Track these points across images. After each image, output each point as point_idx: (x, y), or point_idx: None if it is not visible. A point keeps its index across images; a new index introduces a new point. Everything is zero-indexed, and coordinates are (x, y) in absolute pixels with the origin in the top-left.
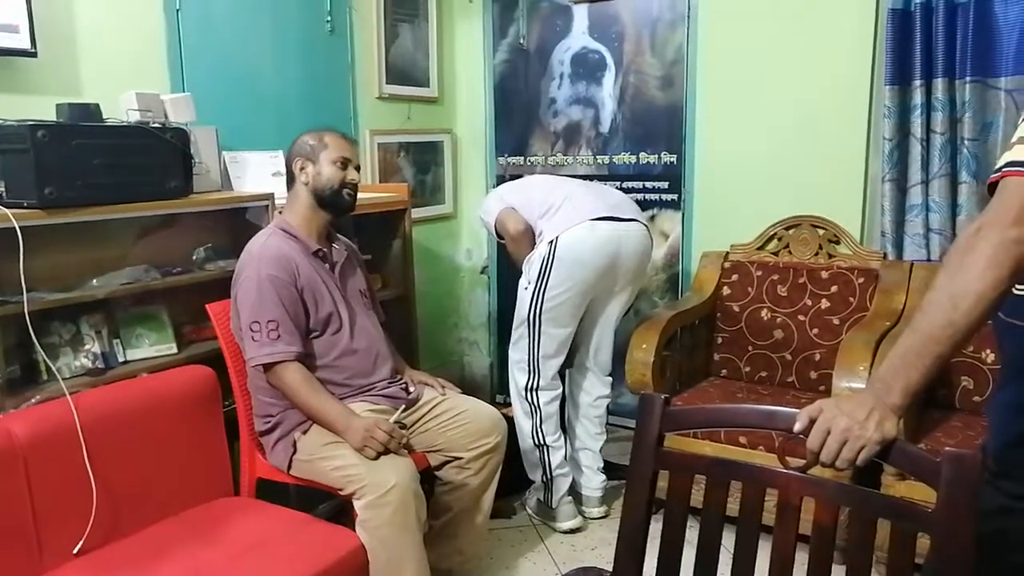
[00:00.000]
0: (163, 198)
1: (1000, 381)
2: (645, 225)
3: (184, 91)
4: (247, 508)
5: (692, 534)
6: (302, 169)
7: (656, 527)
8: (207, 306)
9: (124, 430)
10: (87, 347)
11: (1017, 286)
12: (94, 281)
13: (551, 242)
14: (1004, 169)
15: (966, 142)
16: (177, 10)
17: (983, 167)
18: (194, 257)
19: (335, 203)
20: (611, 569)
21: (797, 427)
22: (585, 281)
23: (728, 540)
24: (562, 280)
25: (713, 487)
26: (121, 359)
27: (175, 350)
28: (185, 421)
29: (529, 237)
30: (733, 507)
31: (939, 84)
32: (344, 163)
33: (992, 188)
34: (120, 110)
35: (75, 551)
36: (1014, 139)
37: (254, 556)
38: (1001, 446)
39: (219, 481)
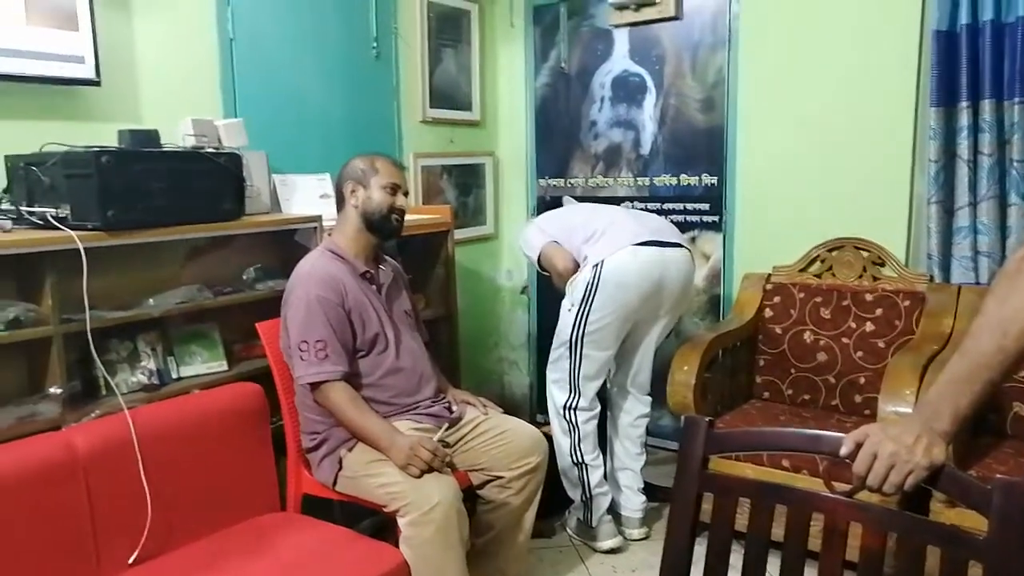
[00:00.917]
0: (217, 220)
1: None
2: (689, 250)
3: (236, 116)
4: (293, 523)
5: (736, 558)
6: (352, 192)
7: (700, 550)
8: (257, 325)
9: (177, 444)
10: (143, 363)
11: None
12: (150, 300)
13: (596, 266)
14: None
15: (1015, 164)
16: (231, 39)
17: None
18: (244, 277)
19: (383, 227)
20: None
21: (843, 451)
22: (628, 305)
23: (773, 565)
24: (605, 304)
25: (758, 511)
26: (175, 375)
27: (226, 367)
28: (234, 437)
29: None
30: (778, 531)
31: (986, 105)
32: (394, 189)
33: None
34: (177, 135)
35: (130, 561)
36: None
37: (301, 571)
38: None
39: (267, 496)
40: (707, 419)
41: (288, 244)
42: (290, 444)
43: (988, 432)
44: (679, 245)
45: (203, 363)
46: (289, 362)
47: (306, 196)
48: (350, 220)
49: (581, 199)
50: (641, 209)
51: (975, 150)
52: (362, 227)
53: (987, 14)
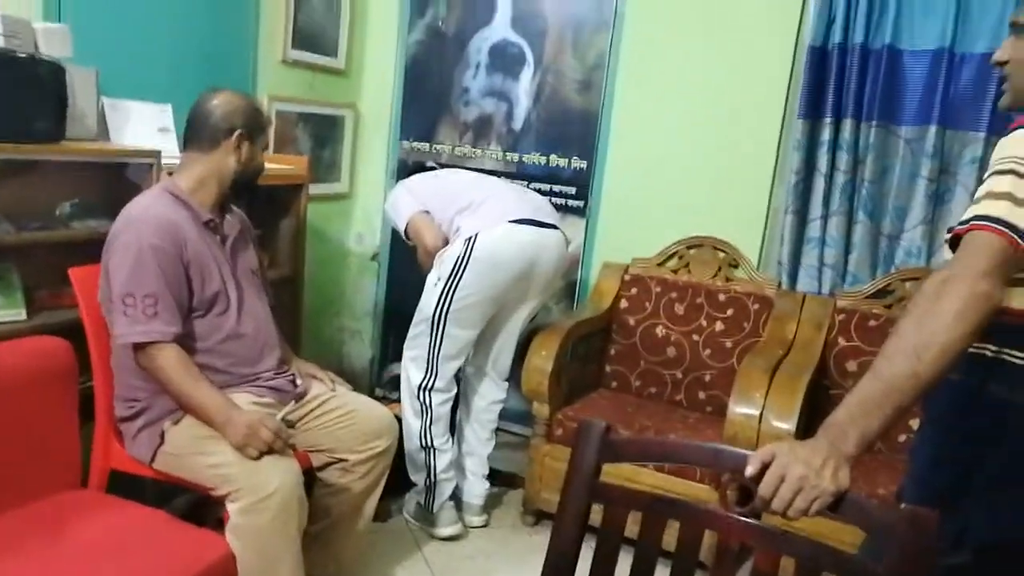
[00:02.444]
0: (29, 140)
1: (921, 431)
2: (563, 234)
3: (60, 22)
4: (99, 504)
5: (624, 566)
6: (239, 145)
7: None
8: (71, 270)
9: None
10: None
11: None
12: None
13: (468, 240)
14: (972, 222)
15: (865, 183)
16: None
17: (878, 208)
18: (58, 212)
19: (249, 188)
20: None
21: (749, 471)
22: (498, 285)
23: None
24: (474, 281)
25: (650, 523)
26: None
27: (24, 316)
28: (32, 398)
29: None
30: (669, 539)
31: (847, 124)
32: (265, 148)
33: (955, 240)
34: None
35: None
36: (981, 193)
37: (109, 561)
38: (918, 499)
39: (66, 470)
40: (604, 424)
41: (116, 180)
42: (100, 411)
43: None
44: (555, 227)
45: None
46: (108, 317)
47: (141, 127)
48: (211, 167)
49: (445, 168)
50: None
51: (832, 165)
52: (223, 179)
53: (858, 36)
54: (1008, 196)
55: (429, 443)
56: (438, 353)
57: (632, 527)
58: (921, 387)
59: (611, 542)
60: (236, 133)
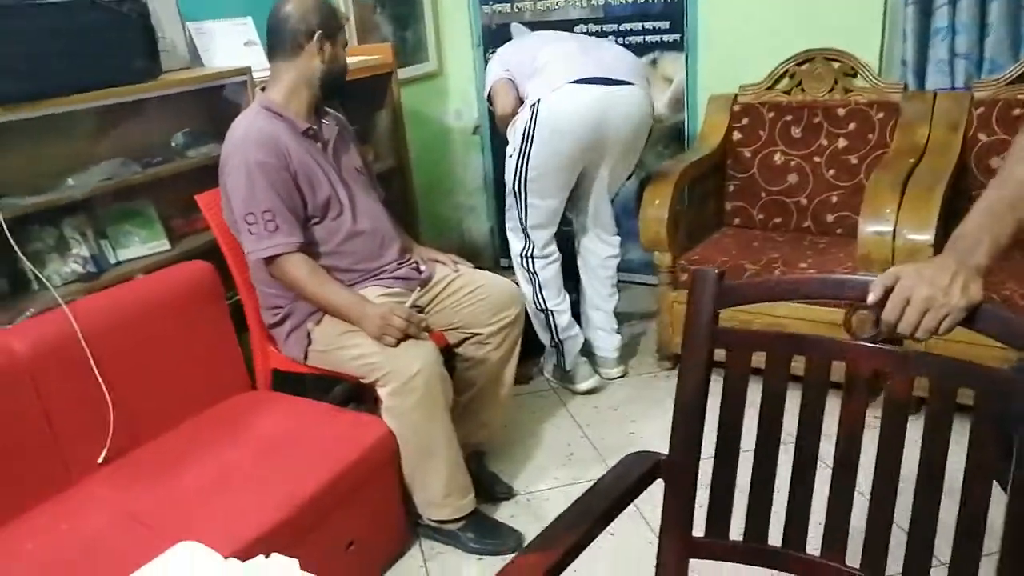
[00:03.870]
0: (130, 82)
1: None
2: (644, 89)
3: None
4: (267, 401)
5: (752, 397)
6: (321, 48)
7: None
8: (196, 197)
9: (129, 335)
10: (74, 251)
11: None
12: (70, 180)
13: (533, 106)
14: None
15: None
16: None
17: None
18: (173, 144)
19: (337, 86)
20: (654, 442)
21: (871, 298)
22: (566, 152)
23: (793, 399)
24: (542, 150)
25: (775, 361)
26: (113, 261)
27: (168, 246)
28: (190, 320)
29: (514, 115)
30: (797, 368)
31: None
32: (346, 45)
33: None
34: None
35: (99, 460)
36: None
37: (282, 451)
38: None
39: (234, 377)
40: (717, 271)
41: (216, 102)
42: (251, 320)
43: None
44: (629, 83)
45: (142, 243)
46: (237, 236)
47: (228, 45)
48: (299, 73)
49: (531, 26)
50: (596, 32)
51: None
52: (312, 83)
53: None
54: None
55: (544, 306)
56: (527, 222)
57: (758, 359)
58: None
59: (738, 381)
60: (316, 35)
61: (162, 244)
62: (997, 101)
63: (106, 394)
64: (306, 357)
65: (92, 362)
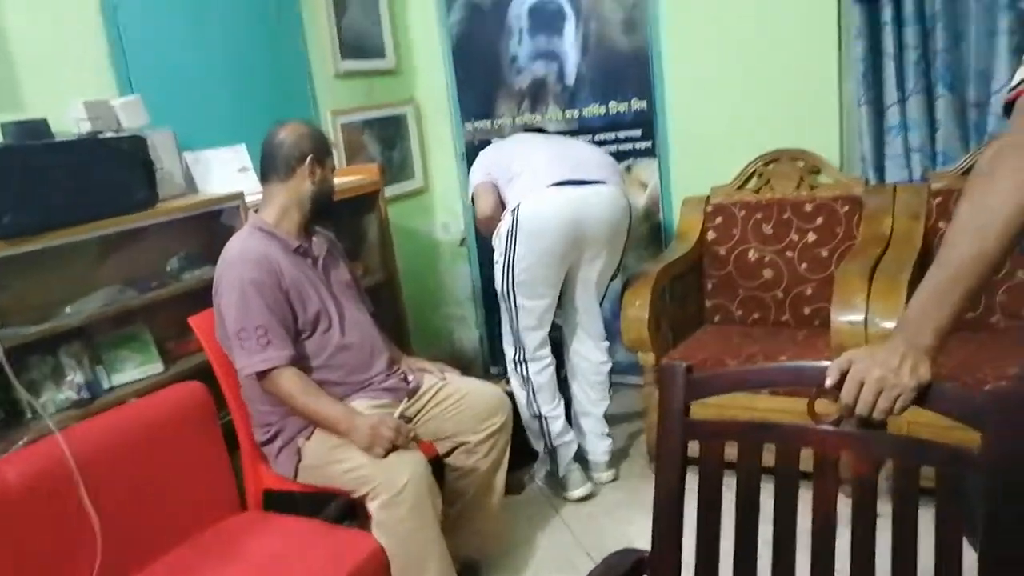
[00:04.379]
0: (129, 211)
1: None
2: (618, 186)
3: (132, 93)
4: (258, 522)
5: (730, 489)
6: (313, 171)
7: (690, 482)
8: (190, 319)
9: (121, 460)
10: (69, 378)
11: None
12: (67, 308)
13: (514, 211)
14: (1020, 87)
15: (939, 54)
16: (115, 6)
17: (957, 78)
18: (168, 269)
19: (327, 208)
20: (648, 546)
21: (829, 382)
22: (548, 252)
23: (768, 489)
24: (527, 252)
25: (747, 451)
26: (107, 386)
27: (161, 368)
28: (183, 441)
29: (497, 219)
30: (770, 457)
31: None
32: (334, 169)
33: (1008, 108)
34: (69, 122)
35: None
36: None
37: (274, 572)
38: None
39: (225, 498)
40: (685, 365)
41: (211, 227)
42: (243, 440)
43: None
44: (602, 182)
45: (136, 368)
46: (230, 353)
47: (223, 172)
48: (290, 195)
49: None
50: None
51: (900, 45)
52: (303, 204)
53: None
54: None
55: (538, 412)
56: (518, 325)
57: (732, 452)
58: (990, 266)
59: (713, 472)
60: (308, 158)
61: (156, 367)
62: (953, 191)
63: (95, 522)
64: (297, 474)
65: (83, 490)
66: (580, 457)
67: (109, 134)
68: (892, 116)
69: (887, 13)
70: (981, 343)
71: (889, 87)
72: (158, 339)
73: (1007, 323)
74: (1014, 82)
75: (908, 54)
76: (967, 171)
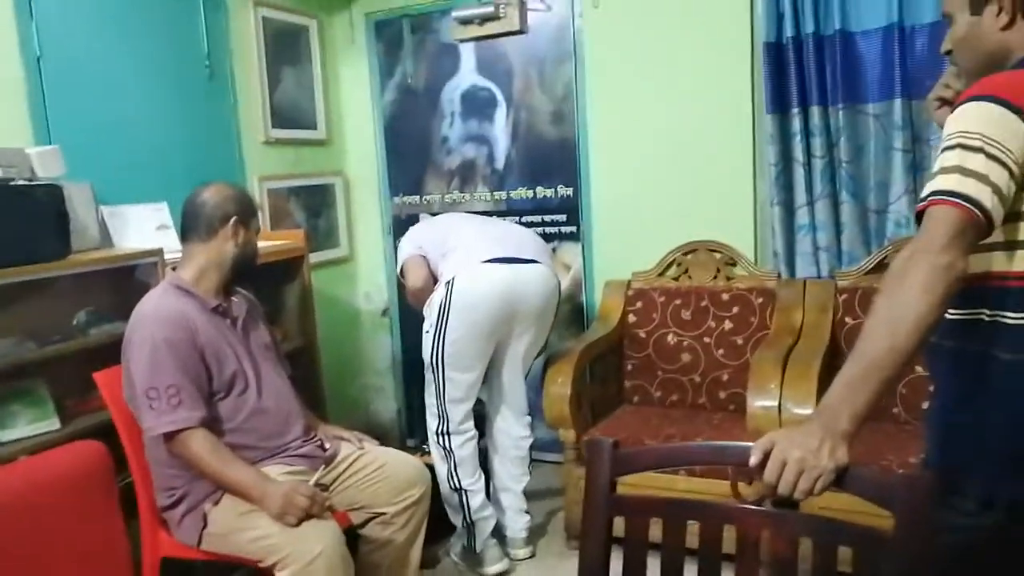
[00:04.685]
0: (37, 261)
1: (932, 399)
2: (549, 267)
3: (51, 144)
4: None
5: (653, 568)
6: (235, 232)
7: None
8: (95, 375)
9: (5, 522)
10: None
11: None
12: None
13: (447, 284)
14: (930, 198)
15: (843, 164)
16: (38, 58)
17: (860, 187)
18: (75, 322)
19: (249, 270)
20: None
21: (752, 461)
22: (480, 325)
23: (691, 572)
24: (458, 325)
25: (671, 527)
26: None
27: (58, 425)
28: (76, 505)
29: (428, 291)
30: (693, 540)
31: (815, 111)
32: (258, 231)
33: (920, 216)
34: None
35: None
36: (935, 170)
37: None
38: (940, 465)
39: (118, 567)
40: (611, 441)
41: (125, 282)
42: (142, 504)
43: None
44: (535, 262)
45: (28, 424)
46: (136, 412)
47: (141, 228)
48: (210, 256)
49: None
50: None
51: (808, 153)
52: (223, 265)
53: (808, 26)
54: (957, 169)
55: (458, 485)
56: (444, 397)
57: (657, 533)
58: (901, 360)
59: (637, 550)
60: (232, 220)
61: (51, 423)
62: (857, 289)
63: None
64: (200, 541)
65: None
66: (498, 533)
67: (21, 182)
68: (802, 216)
69: (796, 124)
70: (886, 433)
71: (799, 190)
72: (58, 395)
73: (907, 415)
74: (923, 194)
75: (815, 162)
76: (870, 271)
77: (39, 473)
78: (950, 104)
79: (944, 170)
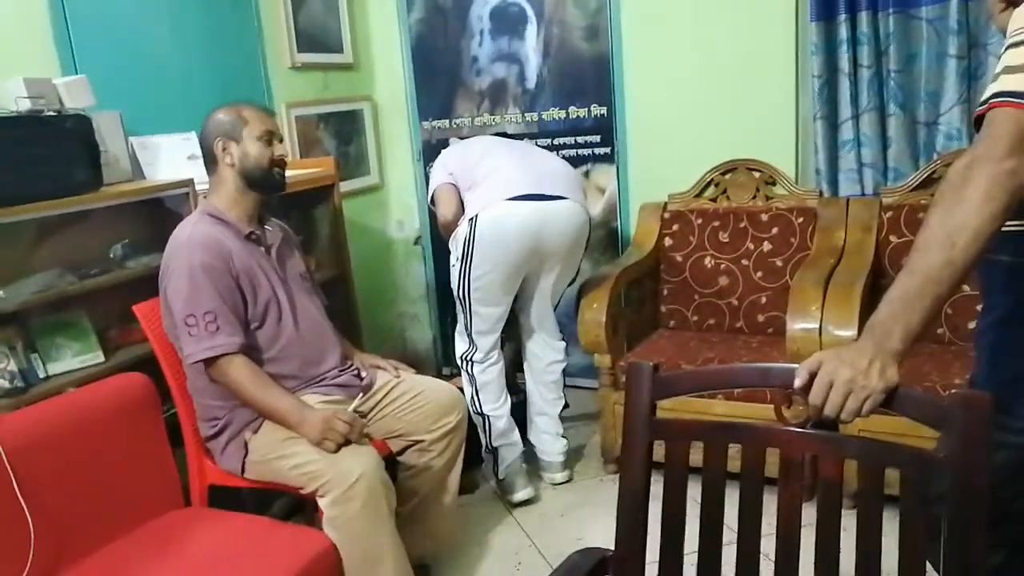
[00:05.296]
0: (70, 194)
1: (982, 317)
2: (579, 202)
3: (77, 73)
4: (202, 518)
5: (694, 491)
6: (224, 150)
7: (655, 489)
8: (134, 307)
9: (56, 452)
10: (1, 366)
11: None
12: (1, 292)
13: (471, 220)
14: (991, 100)
15: (892, 74)
16: None
17: (909, 98)
18: (112, 255)
19: (267, 183)
20: (603, 546)
21: (798, 383)
22: (505, 263)
23: (732, 497)
24: (483, 261)
25: (711, 451)
26: (42, 375)
27: (102, 358)
28: (123, 434)
29: (458, 222)
30: (734, 464)
31: (863, 17)
32: (269, 137)
33: (979, 121)
34: (7, 99)
35: None
36: (998, 69)
37: (217, 570)
38: (990, 385)
39: (168, 493)
40: (651, 364)
41: (158, 214)
42: (187, 434)
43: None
44: (562, 198)
45: (74, 357)
46: (176, 342)
47: (172, 158)
48: (226, 181)
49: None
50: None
51: (855, 63)
52: (242, 186)
53: None
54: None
55: (480, 409)
56: (471, 329)
57: (697, 457)
58: (958, 274)
59: (678, 474)
60: (217, 143)
61: (96, 356)
62: (903, 206)
63: (28, 516)
64: (244, 469)
65: (14, 481)
66: (535, 457)
67: (51, 113)
68: (846, 131)
69: (843, 32)
70: (930, 354)
71: (844, 103)
72: (98, 328)
73: (951, 336)
74: (984, 96)
75: (862, 72)
76: (917, 187)
77: (86, 405)
78: (1015, 4)
79: (1008, 69)
